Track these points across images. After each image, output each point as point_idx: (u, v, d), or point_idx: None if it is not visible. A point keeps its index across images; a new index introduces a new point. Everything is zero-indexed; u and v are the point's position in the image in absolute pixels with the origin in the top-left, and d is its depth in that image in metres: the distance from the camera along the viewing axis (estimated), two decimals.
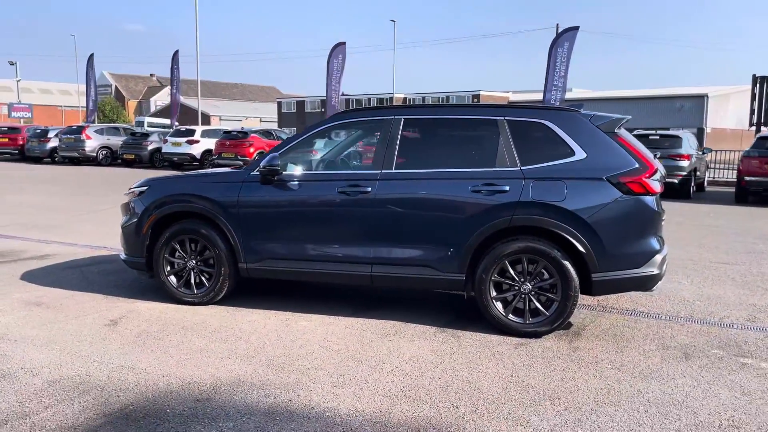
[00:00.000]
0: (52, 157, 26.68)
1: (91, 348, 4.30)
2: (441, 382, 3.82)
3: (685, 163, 15.39)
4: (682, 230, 10.32)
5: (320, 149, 7.02)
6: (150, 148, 24.36)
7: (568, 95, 55.76)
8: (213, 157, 22.21)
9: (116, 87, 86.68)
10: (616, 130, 4.74)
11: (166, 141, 23.64)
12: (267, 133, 23.42)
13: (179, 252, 5.44)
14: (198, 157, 23.00)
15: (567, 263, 4.58)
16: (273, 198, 5.19)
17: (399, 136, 5.04)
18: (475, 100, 57.05)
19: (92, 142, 25.38)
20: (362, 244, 5.00)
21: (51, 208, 11.96)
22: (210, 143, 22.96)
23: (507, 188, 4.68)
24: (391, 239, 4.94)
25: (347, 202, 4.99)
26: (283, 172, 5.21)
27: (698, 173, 16.78)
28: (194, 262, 5.41)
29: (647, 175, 4.59)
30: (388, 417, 3.33)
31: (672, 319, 5.24)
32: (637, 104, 44.36)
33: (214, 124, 63.12)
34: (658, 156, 15.31)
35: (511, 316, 4.72)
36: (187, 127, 24.79)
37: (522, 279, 4.70)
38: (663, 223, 4.85)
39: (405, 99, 60.90)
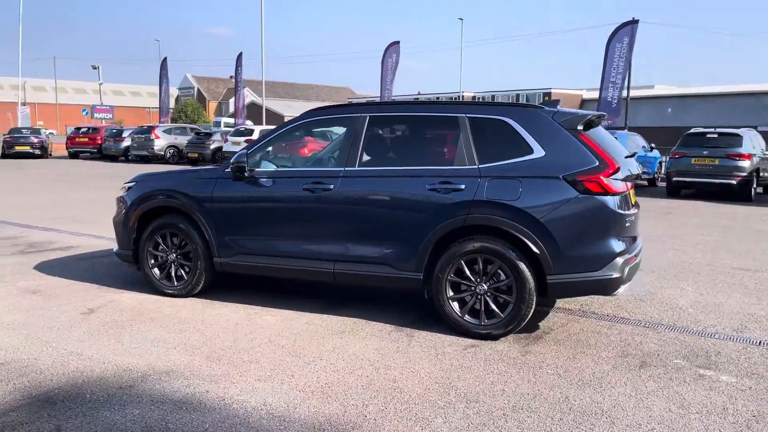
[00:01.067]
0: (126, 156, 28.17)
1: (54, 334, 4.55)
2: (365, 381, 3.81)
3: (745, 163, 14.48)
4: (720, 234, 9.74)
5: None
6: (212, 147, 25.28)
7: (650, 92, 53.81)
8: None
9: (198, 89, 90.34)
10: (578, 127, 4.55)
11: (226, 140, 24.46)
12: (322, 135, 23.78)
13: (162, 245, 5.66)
14: None
15: (522, 264, 4.44)
16: (243, 194, 5.31)
17: (363, 134, 5.04)
18: (546, 98, 55.67)
19: (161, 142, 26.62)
20: (325, 241, 5.04)
21: (100, 202, 12.66)
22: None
23: (463, 187, 4.60)
24: (352, 237, 4.95)
25: (311, 199, 5.04)
26: (256, 169, 5.33)
27: (764, 174, 15.72)
28: (174, 255, 5.62)
29: (607, 174, 4.38)
30: (292, 412, 3.36)
31: (651, 327, 4.97)
32: (724, 101, 42.02)
33: None
34: (705, 155, 14.56)
35: (467, 317, 4.63)
36: (246, 126, 25.55)
37: (478, 279, 4.60)
38: (629, 223, 4.60)
39: (474, 97, 60.25)
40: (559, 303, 5.57)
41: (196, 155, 25.61)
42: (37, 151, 29.13)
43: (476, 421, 3.30)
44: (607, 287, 4.49)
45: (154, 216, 5.69)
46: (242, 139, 23.94)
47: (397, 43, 25.12)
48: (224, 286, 5.92)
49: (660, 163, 18.55)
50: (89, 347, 4.29)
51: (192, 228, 5.48)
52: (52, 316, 4.99)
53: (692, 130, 16.22)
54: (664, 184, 17.34)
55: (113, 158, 28.79)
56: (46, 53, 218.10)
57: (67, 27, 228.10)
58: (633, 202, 4.89)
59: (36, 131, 30.41)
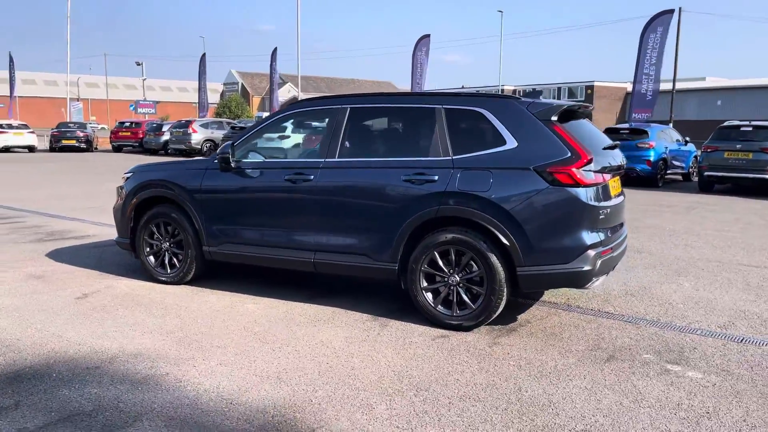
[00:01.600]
0: (165, 149, 28.89)
1: (43, 317, 4.77)
2: (324, 367, 3.87)
3: None
4: (741, 230, 9.43)
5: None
6: None
7: (698, 84, 52.05)
8: None
9: (242, 84, 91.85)
10: (552, 118, 4.50)
11: None
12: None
13: (156, 234, 5.84)
14: None
15: (492, 256, 4.43)
16: (229, 185, 5.44)
17: (344, 126, 5.10)
18: (589, 91, 54.60)
19: (197, 136, 27.20)
20: (306, 231, 5.12)
21: None
22: (299, 138, 23.80)
23: (436, 178, 4.61)
24: (331, 227, 5.02)
25: (293, 189, 5.13)
26: (243, 160, 5.45)
27: None
28: (168, 244, 5.79)
29: (578, 165, 4.32)
30: (241, 396, 3.45)
31: (632, 322, 4.89)
32: None
33: None
34: (738, 148, 14.07)
35: (440, 308, 4.64)
36: None
37: (451, 271, 4.61)
38: (604, 215, 4.51)
39: (515, 91, 59.49)
40: (546, 296, 5.53)
41: None
42: (83, 145, 30.18)
43: (419, 408, 3.32)
44: (578, 280, 4.43)
45: (150, 205, 5.88)
46: (276, 134, 24.27)
47: (428, 36, 25.01)
48: (218, 275, 6.07)
49: (695, 157, 17.99)
50: (71, 330, 4.48)
51: (183, 217, 5.64)
52: (47, 300, 5.22)
53: (726, 123, 15.70)
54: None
55: (153, 152, 29.56)
56: (100, 50, 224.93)
57: (119, 25, 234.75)
58: (615, 193, 4.81)
59: (82, 126, 31.50)
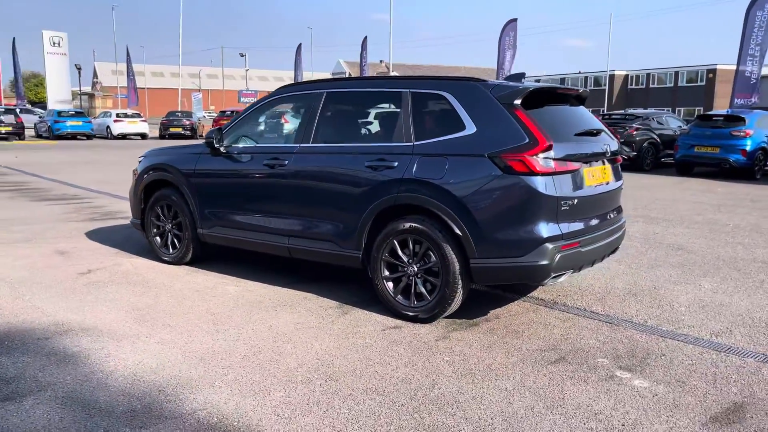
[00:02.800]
0: None
1: (37, 289, 5.12)
2: (252, 351, 3.88)
3: None
4: None
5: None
6: None
7: None
8: None
9: (349, 74, 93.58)
10: (515, 102, 4.21)
11: None
12: None
13: (161, 216, 6.11)
14: None
15: (447, 246, 4.24)
16: (218, 169, 5.57)
17: (319, 111, 5.06)
18: (711, 75, 50.63)
19: (289, 126, 27.99)
20: (281, 216, 5.15)
21: None
22: (283, 123, 23.93)
23: (396, 164, 4.47)
24: (303, 213, 5.01)
25: (270, 174, 5.17)
26: (233, 145, 5.57)
27: None
28: (170, 225, 6.04)
29: (533, 152, 4.02)
30: (153, 374, 3.52)
31: (613, 323, 4.51)
32: None
33: None
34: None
35: (399, 298, 4.52)
36: None
37: (410, 261, 4.46)
38: (568, 206, 4.16)
39: (627, 76, 56.33)
40: (537, 291, 5.23)
41: None
42: (188, 132, 32.08)
43: (314, 398, 3.26)
44: (534, 275, 4.15)
45: (156, 188, 6.15)
46: (265, 119, 24.51)
47: (515, 20, 24.18)
48: (225, 257, 6.24)
49: None
50: (51, 303, 4.79)
51: (181, 200, 5.85)
52: (52, 274, 5.61)
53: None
54: None
55: None
56: (218, 43, 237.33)
57: (235, 19, 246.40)
58: (597, 182, 4.46)
59: (188, 114, 33.50)
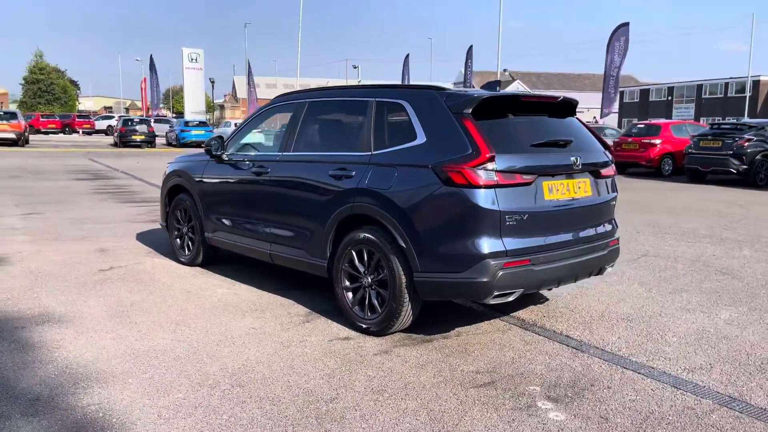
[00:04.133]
0: None
1: (53, 282, 5.59)
2: (186, 353, 3.99)
3: None
4: None
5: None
6: None
7: None
8: None
9: (472, 84, 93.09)
10: (465, 111, 4.02)
11: None
12: None
13: (180, 220, 6.46)
14: None
15: (395, 259, 4.14)
16: (218, 176, 5.81)
17: (301, 119, 5.13)
18: None
19: (279, 134, 28.40)
20: (264, 222, 5.27)
21: None
22: (276, 132, 23.53)
23: (353, 174, 4.44)
24: (280, 220, 5.10)
25: (257, 181, 5.31)
26: (235, 152, 5.78)
27: None
28: (185, 228, 6.37)
29: (473, 164, 3.82)
30: (81, 367, 3.71)
31: (580, 349, 4.18)
32: None
33: None
34: None
35: (356, 309, 4.47)
36: None
37: (365, 272, 4.40)
38: (515, 222, 3.90)
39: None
40: (521, 311, 4.95)
41: None
42: None
43: (206, 402, 3.30)
44: (474, 292, 3.93)
45: (176, 193, 6.51)
46: (263, 127, 24.31)
47: (626, 25, 22.82)
48: (237, 260, 6.48)
49: None
50: (53, 295, 5.21)
51: (193, 205, 6.16)
52: (76, 270, 6.10)
53: None
54: None
55: None
56: (343, 56, 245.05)
57: (360, 31, 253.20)
58: (563, 197, 4.16)
59: None
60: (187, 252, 6.36)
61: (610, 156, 4.73)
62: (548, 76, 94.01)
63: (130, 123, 32.78)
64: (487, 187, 3.82)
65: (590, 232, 4.42)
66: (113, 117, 55.96)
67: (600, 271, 4.63)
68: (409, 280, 4.10)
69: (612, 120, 41.01)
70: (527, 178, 3.97)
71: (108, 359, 3.87)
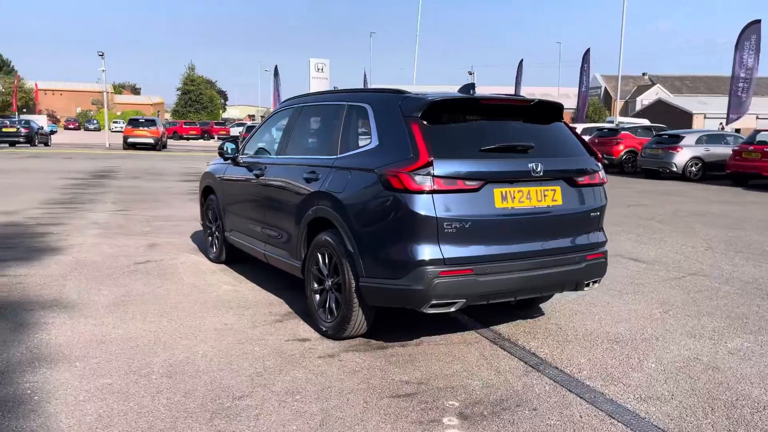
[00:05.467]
0: None
1: (85, 272, 6.12)
2: (150, 342, 4.23)
3: None
4: None
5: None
6: None
7: None
8: None
9: (605, 88, 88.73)
10: (414, 114, 3.93)
11: None
12: (646, 129, 21.48)
13: (210, 218, 6.84)
14: None
15: (345, 262, 4.13)
16: (232, 177, 6.08)
17: (294, 123, 5.26)
18: None
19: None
20: (260, 224, 5.45)
21: None
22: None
23: (320, 177, 4.49)
24: (270, 221, 5.25)
25: (256, 183, 5.51)
26: (247, 155, 6.03)
27: None
28: (214, 228, 6.73)
29: (410, 168, 3.71)
30: (52, 348, 4.07)
31: (535, 367, 3.93)
32: None
33: (697, 124, 58.51)
34: None
35: (320, 311, 4.51)
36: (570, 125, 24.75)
37: (327, 275, 4.43)
38: (454, 229, 3.73)
39: None
40: (503, 325, 4.73)
41: None
42: None
43: (124, 389, 3.47)
44: (410, 300, 3.81)
45: (209, 193, 6.89)
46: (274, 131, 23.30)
47: (758, 22, 20.67)
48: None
49: None
50: (77, 283, 5.70)
51: (217, 204, 6.50)
52: (115, 261, 6.64)
53: None
54: None
55: None
56: (469, 63, 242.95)
57: (490, 36, 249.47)
58: (515, 205, 3.92)
59: None
60: (214, 249, 6.71)
61: (596, 164, 4.39)
62: (693, 79, 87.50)
63: (252, 130, 34.78)
64: (423, 192, 3.70)
65: (559, 243, 4.13)
66: (245, 124, 59.52)
67: (578, 287, 4.31)
68: (357, 285, 4.07)
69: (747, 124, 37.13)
70: (472, 184, 3.79)
71: (74, 343, 4.20)
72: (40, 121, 46.05)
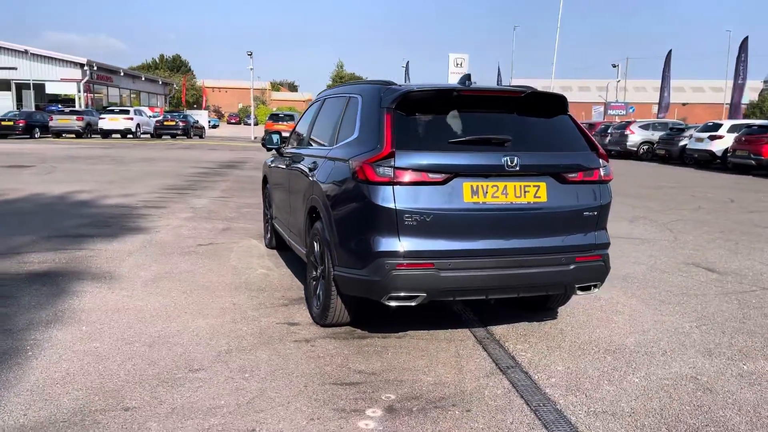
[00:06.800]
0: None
1: (151, 249, 6.73)
2: (147, 314, 4.61)
3: None
4: None
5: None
6: (681, 144, 23.38)
7: None
8: (728, 154, 19.79)
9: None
10: (389, 105, 3.90)
11: (691, 136, 22.32)
12: None
13: (266, 207, 7.21)
14: (718, 154, 20.79)
15: (326, 251, 4.22)
16: (275, 167, 6.37)
17: (317, 115, 5.41)
18: None
19: (635, 137, 26.14)
20: (287, 212, 5.67)
21: None
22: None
23: (317, 167, 4.60)
24: (291, 210, 5.45)
25: (286, 174, 5.74)
26: (288, 147, 6.28)
27: None
28: (268, 215, 7.08)
29: (373, 159, 3.70)
30: (60, 312, 4.59)
31: (503, 370, 3.77)
32: None
33: None
34: None
35: (314, 298, 4.63)
36: (716, 120, 22.53)
37: (318, 263, 4.54)
38: (415, 222, 3.64)
39: None
40: (500, 325, 4.57)
41: (663, 152, 24.19)
42: None
43: (108, 354, 3.82)
44: (372, 290, 3.80)
45: (265, 182, 7.26)
46: (707, 135, 21.45)
47: None
48: None
49: None
50: (133, 259, 6.29)
51: (267, 194, 6.85)
52: (181, 242, 7.21)
53: None
54: None
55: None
56: (624, 54, 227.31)
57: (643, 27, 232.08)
58: (487, 200, 3.76)
59: None
60: (267, 235, 7.07)
61: (596, 160, 4.08)
62: None
63: None
64: (383, 183, 3.68)
65: (541, 242, 3.89)
66: None
67: (568, 290, 4.04)
68: (333, 274, 4.14)
69: None
70: (436, 177, 3.70)
71: (94, 310, 4.68)
72: (202, 116, 50.42)
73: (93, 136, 36.11)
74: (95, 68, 54.70)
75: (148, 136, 37.43)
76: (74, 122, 34.82)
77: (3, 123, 33.34)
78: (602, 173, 4.09)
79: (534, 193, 3.86)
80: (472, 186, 3.75)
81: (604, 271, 4.12)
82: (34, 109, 41.70)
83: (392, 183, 3.68)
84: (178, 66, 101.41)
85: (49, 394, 3.28)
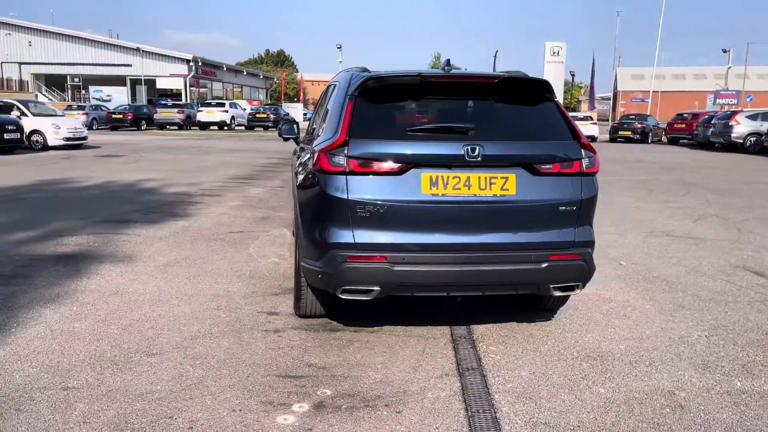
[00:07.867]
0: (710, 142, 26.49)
1: (185, 234, 6.96)
2: (144, 297, 4.75)
3: None
4: None
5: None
6: None
7: None
8: None
9: None
10: (353, 93, 3.77)
11: None
12: None
13: None
14: None
15: (296, 241, 4.17)
16: (293, 157, 6.37)
17: (322, 103, 5.35)
18: None
19: (741, 128, 24.11)
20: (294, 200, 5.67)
21: None
22: None
23: (300, 156, 4.56)
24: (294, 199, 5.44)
25: (293, 164, 5.73)
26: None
27: None
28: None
29: (327, 148, 3.59)
30: (68, 291, 4.83)
31: (463, 372, 3.57)
32: None
33: None
34: None
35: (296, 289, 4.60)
36: None
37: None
38: (367, 213, 3.49)
39: None
40: (490, 329, 4.34)
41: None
42: (637, 136, 30.83)
43: (92, 335, 3.99)
44: (326, 283, 3.69)
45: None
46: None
47: None
48: None
49: None
50: (162, 243, 6.53)
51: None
52: (215, 230, 7.40)
53: None
54: None
55: (703, 146, 27.54)
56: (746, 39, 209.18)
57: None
58: (447, 192, 3.55)
59: (642, 118, 32.11)
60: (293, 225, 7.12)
61: (578, 151, 3.75)
62: None
63: None
64: (336, 173, 3.57)
65: (508, 237, 3.63)
66: None
67: (541, 289, 3.75)
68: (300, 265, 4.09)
69: None
70: (391, 166, 3.53)
71: (93, 291, 4.88)
72: (297, 109, 51.81)
73: (192, 128, 38.09)
74: (200, 64, 57.49)
75: (242, 128, 38.95)
76: (175, 115, 36.93)
77: (114, 116, 35.92)
78: (584, 164, 3.75)
79: (501, 185, 3.60)
80: (431, 177, 3.56)
81: (586, 271, 3.78)
82: (145, 103, 44.64)
83: (345, 173, 3.56)
84: (282, 61, 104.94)
85: (6, 370, 3.45)
